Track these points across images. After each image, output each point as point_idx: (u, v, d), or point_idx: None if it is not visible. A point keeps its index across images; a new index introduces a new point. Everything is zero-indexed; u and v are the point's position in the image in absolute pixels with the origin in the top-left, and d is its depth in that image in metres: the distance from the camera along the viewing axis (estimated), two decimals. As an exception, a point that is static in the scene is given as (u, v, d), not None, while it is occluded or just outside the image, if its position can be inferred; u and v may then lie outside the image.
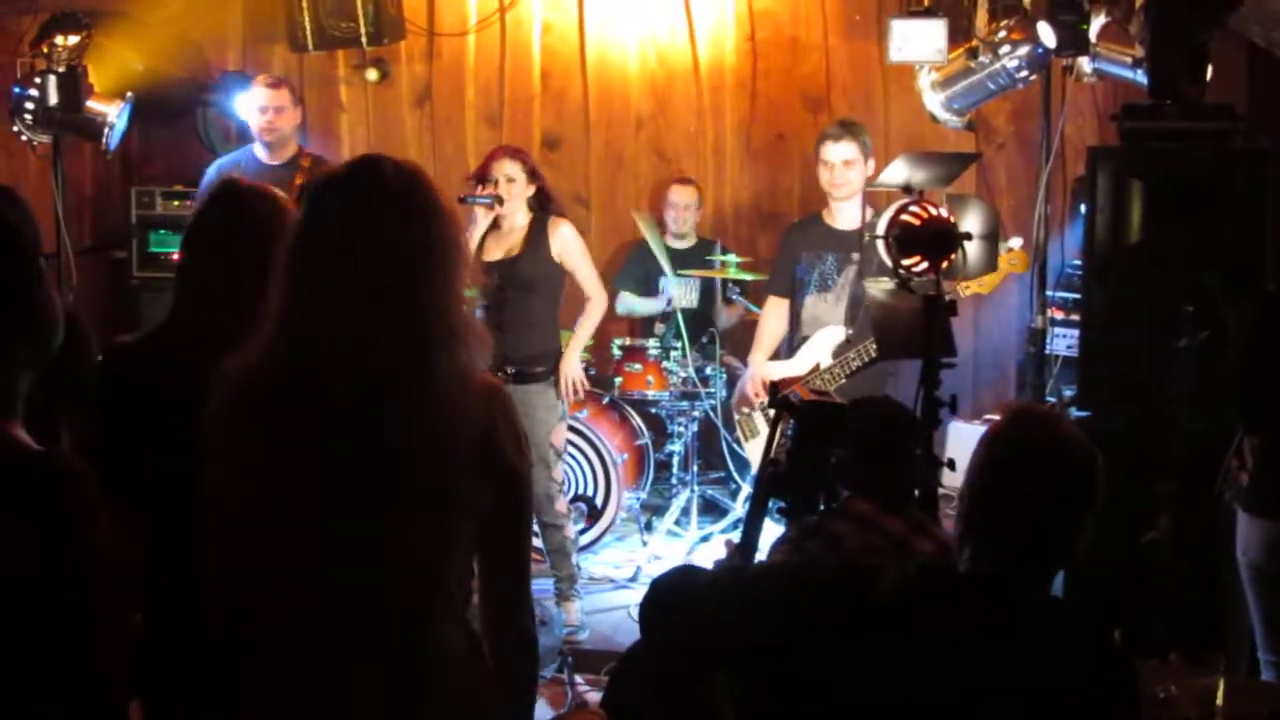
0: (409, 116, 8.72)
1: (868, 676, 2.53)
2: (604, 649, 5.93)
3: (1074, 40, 5.57)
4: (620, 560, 7.34)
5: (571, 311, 6.42)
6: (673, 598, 2.80)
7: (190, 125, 8.26)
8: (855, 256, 6.20)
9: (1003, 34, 6.01)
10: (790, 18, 8.36)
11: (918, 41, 6.27)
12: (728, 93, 8.50)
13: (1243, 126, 5.29)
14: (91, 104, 6.87)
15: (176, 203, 7.87)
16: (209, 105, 8.15)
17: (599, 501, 7.31)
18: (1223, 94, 5.73)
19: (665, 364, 7.46)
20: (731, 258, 7.37)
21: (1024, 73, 5.99)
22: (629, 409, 7.66)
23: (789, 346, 6.55)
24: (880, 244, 4.52)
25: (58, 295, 2.32)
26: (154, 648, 3.07)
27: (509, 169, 6.13)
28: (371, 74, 8.54)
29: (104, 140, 6.98)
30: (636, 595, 3.12)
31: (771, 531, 3.61)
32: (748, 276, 7.51)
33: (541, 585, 6.52)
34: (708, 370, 7.44)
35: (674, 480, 7.72)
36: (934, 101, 6.40)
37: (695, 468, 7.54)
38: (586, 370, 7.66)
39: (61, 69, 6.70)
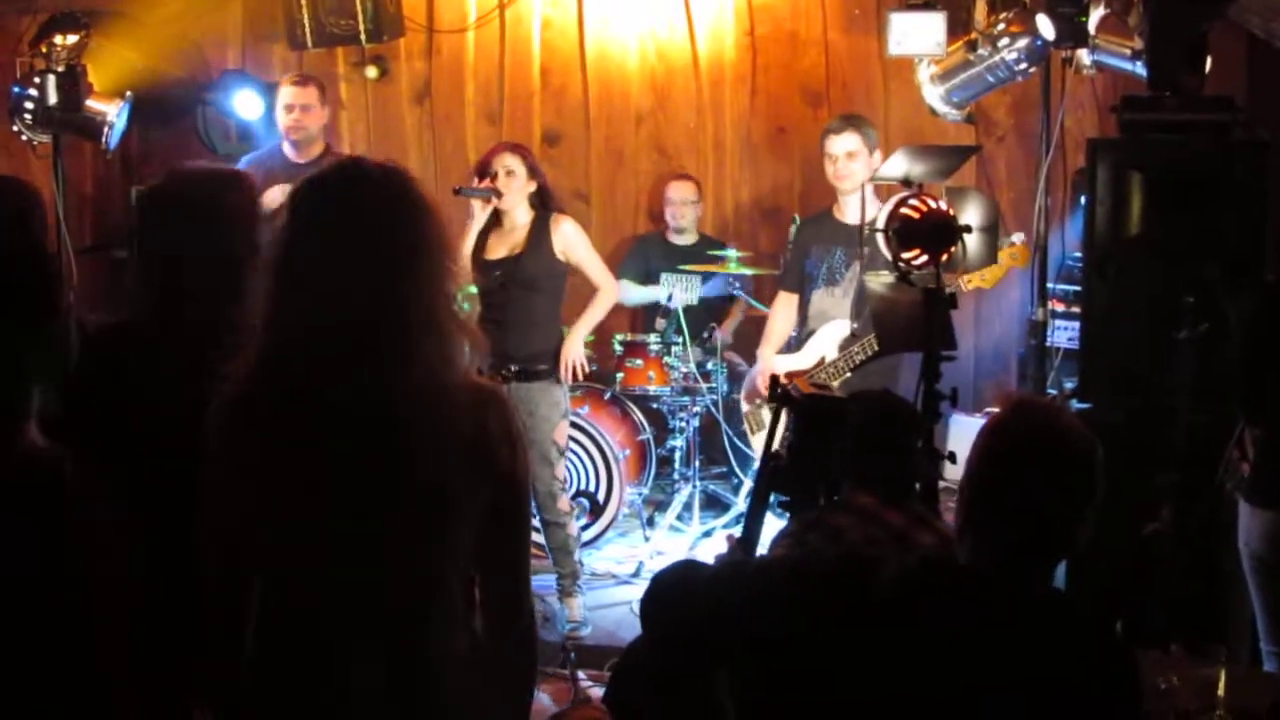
0: (409, 113, 8.72)
1: (869, 670, 2.53)
2: (607, 644, 5.93)
3: (1073, 33, 5.56)
4: (623, 556, 7.34)
5: (572, 310, 6.41)
6: (674, 593, 2.81)
7: (190, 124, 8.27)
8: (865, 251, 6.20)
9: (1002, 27, 6.01)
10: (789, 12, 8.35)
11: (917, 35, 6.27)
12: (727, 88, 8.50)
13: (1242, 118, 5.28)
14: (91, 103, 6.87)
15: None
16: (209, 104, 8.14)
17: (601, 497, 7.31)
18: (1222, 85, 5.72)
19: (666, 359, 7.46)
20: (732, 253, 7.38)
21: (1023, 65, 5.99)
22: (630, 404, 7.66)
23: (795, 341, 6.56)
24: (880, 237, 4.52)
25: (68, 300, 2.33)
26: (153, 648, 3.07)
27: (509, 162, 6.13)
28: (371, 71, 8.55)
29: (104, 140, 6.98)
30: (639, 591, 3.13)
31: (773, 525, 3.61)
32: (748, 271, 7.50)
33: (544, 581, 6.52)
34: (709, 365, 7.45)
35: (676, 475, 7.72)
36: (933, 95, 6.40)
37: (697, 463, 7.54)
38: (588, 365, 7.69)
39: (61, 68, 6.70)
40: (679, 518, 7.60)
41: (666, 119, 8.60)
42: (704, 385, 7.37)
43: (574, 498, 6.76)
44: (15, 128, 6.79)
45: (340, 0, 7.87)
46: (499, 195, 6.07)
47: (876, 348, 5.96)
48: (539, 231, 6.18)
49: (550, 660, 5.78)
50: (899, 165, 4.67)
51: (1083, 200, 5.64)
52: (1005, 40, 5.97)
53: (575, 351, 6.24)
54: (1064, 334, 6.69)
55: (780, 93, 8.41)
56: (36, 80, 6.69)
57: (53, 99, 6.64)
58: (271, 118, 8.01)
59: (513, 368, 6.06)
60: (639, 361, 7.50)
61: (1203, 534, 4.85)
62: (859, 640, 2.54)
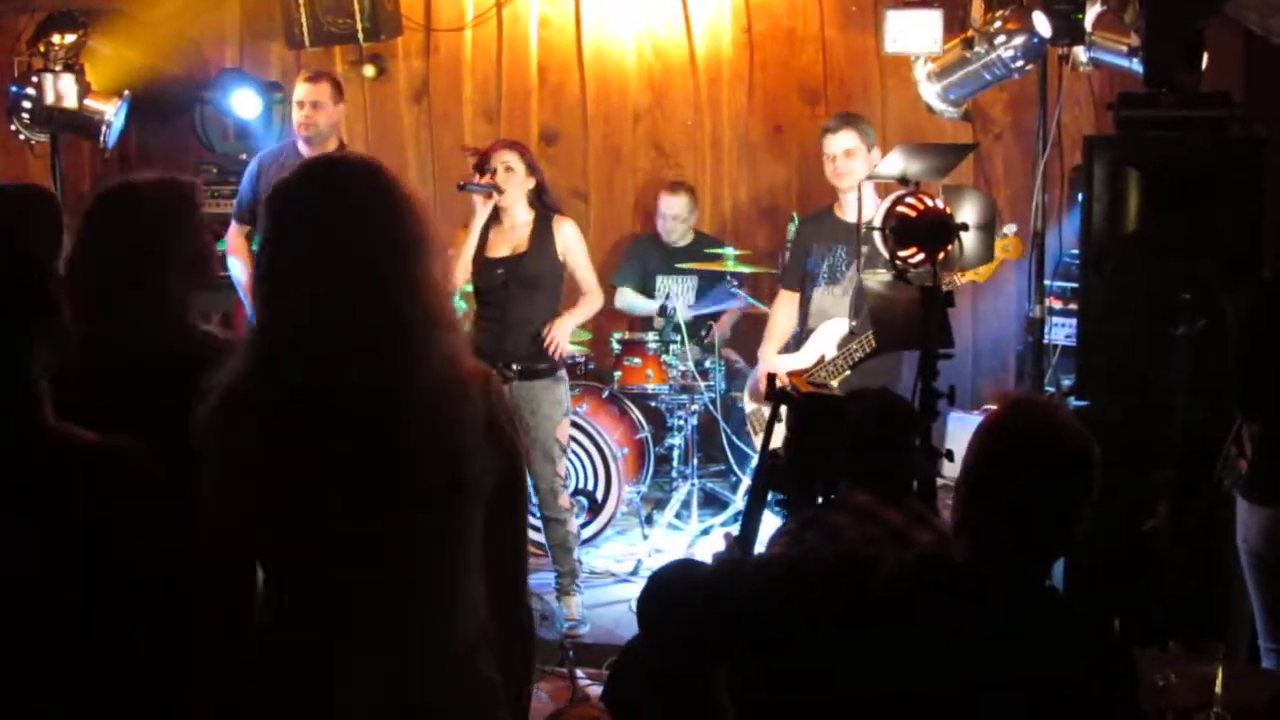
0: (406, 112, 8.73)
1: (867, 668, 2.53)
2: (605, 643, 5.93)
3: (1069, 30, 5.56)
4: (621, 554, 7.34)
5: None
6: (671, 592, 2.81)
7: (188, 123, 8.28)
8: (865, 249, 6.22)
9: (998, 24, 6.01)
10: (787, 9, 8.36)
11: (913, 32, 6.28)
12: (725, 86, 8.51)
13: (1239, 114, 5.28)
14: (89, 102, 6.87)
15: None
16: (206, 103, 8.15)
17: (599, 495, 7.32)
18: (1219, 81, 5.71)
19: (664, 358, 7.46)
20: (730, 250, 7.38)
21: (1020, 63, 5.99)
22: (629, 403, 7.67)
23: (795, 339, 6.57)
24: (877, 235, 4.52)
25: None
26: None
27: (507, 158, 6.14)
28: (369, 70, 8.55)
29: (102, 138, 6.98)
30: (637, 589, 3.12)
31: (771, 523, 3.61)
32: (745, 269, 7.51)
33: (543, 580, 6.53)
34: (707, 364, 7.45)
35: (674, 473, 7.72)
36: (930, 92, 6.40)
37: (695, 461, 7.55)
38: (586, 364, 7.70)
39: (59, 67, 6.71)
40: (677, 516, 7.60)
41: (664, 117, 8.61)
42: (702, 383, 7.37)
43: (572, 496, 6.77)
44: (13, 127, 6.80)
45: (338, -1, 7.88)
46: (499, 191, 6.07)
47: (874, 344, 5.97)
48: (542, 231, 6.19)
49: (548, 658, 5.79)
50: (896, 163, 4.68)
51: (1080, 197, 5.64)
52: (1002, 38, 5.97)
53: (563, 335, 6.22)
54: (1061, 331, 6.70)
55: (778, 90, 8.42)
56: (34, 79, 6.69)
57: (50, 98, 6.65)
58: (270, 116, 8.03)
59: (515, 366, 6.07)
60: (637, 360, 7.50)
61: (1200, 531, 4.85)
62: (857, 638, 2.54)
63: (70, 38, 6.81)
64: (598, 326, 7.39)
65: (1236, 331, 4.49)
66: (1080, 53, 5.84)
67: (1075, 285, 6.25)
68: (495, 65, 8.64)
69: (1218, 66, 5.72)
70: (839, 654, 2.55)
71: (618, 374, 7.55)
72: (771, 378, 3.51)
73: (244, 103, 7.91)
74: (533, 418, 6.12)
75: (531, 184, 6.19)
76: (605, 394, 7.57)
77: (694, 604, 2.75)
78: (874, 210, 5.83)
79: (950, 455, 4.17)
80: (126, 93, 7.04)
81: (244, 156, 7.53)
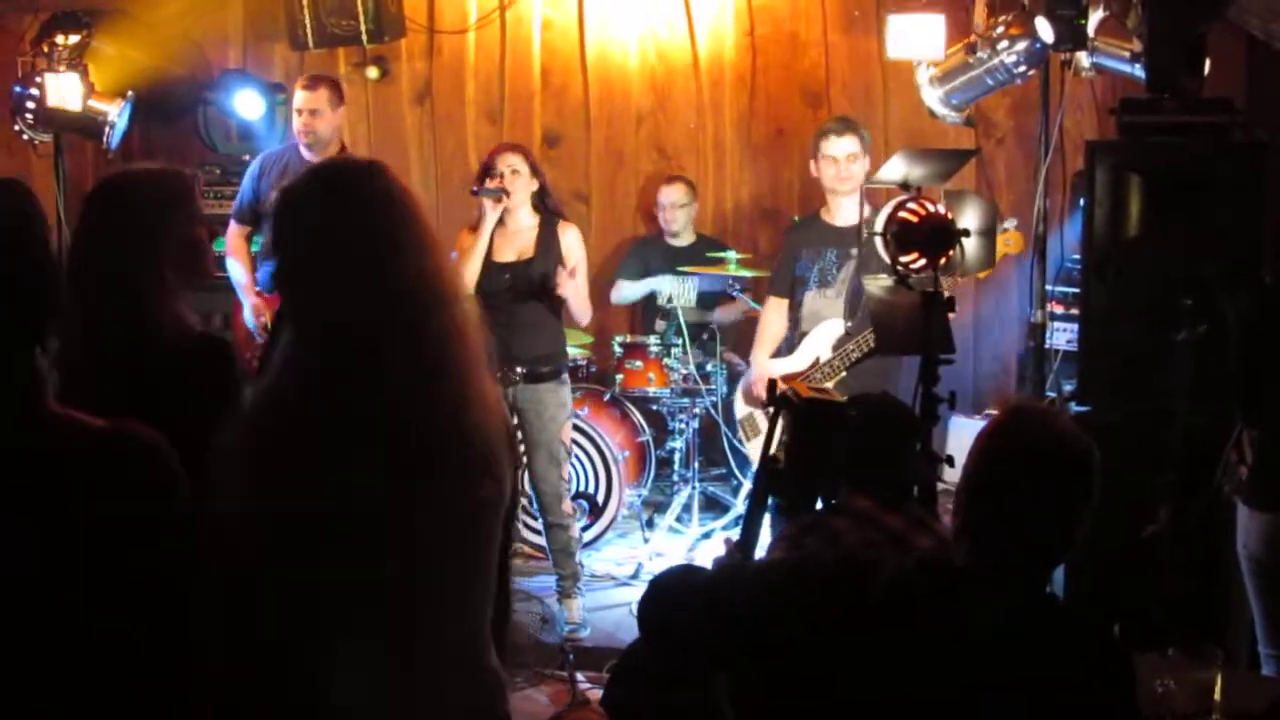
0: (409, 114, 8.73)
1: (867, 673, 2.53)
2: (606, 646, 5.93)
3: (1072, 35, 5.57)
4: (622, 557, 7.34)
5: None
6: (672, 596, 2.81)
7: (191, 123, 8.28)
8: (854, 252, 6.27)
9: (1001, 29, 6.02)
10: (789, 13, 8.36)
11: (916, 37, 6.29)
12: (727, 88, 8.51)
13: (1241, 119, 5.29)
14: (92, 103, 6.88)
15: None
16: (210, 104, 8.16)
17: (600, 499, 7.32)
18: (1221, 87, 5.72)
19: (666, 361, 7.47)
20: (731, 254, 7.38)
21: (1022, 68, 6.00)
22: (630, 406, 7.67)
23: (789, 343, 6.58)
24: (879, 241, 4.53)
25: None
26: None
27: (512, 160, 6.15)
28: (372, 71, 8.56)
29: (105, 139, 6.99)
30: (638, 592, 3.12)
31: (771, 528, 3.62)
32: (747, 273, 7.51)
33: (543, 583, 6.54)
34: (708, 367, 7.46)
35: (675, 477, 7.73)
36: (933, 97, 6.41)
37: (696, 464, 7.55)
38: (587, 367, 7.70)
39: (63, 68, 6.72)
40: (678, 519, 7.60)
41: (667, 120, 8.61)
42: (704, 387, 7.38)
43: (573, 499, 6.78)
44: (17, 127, 6.81)
45: (341, 1, 7.87)
46: (507, 195, 6.07)
47: (872, 344, 6.00)
48: (547, 236, 6.20)
49: (549, 662, 5.80)
50: (897, 168, 4.68)
51: (1081, 202, 5.65)
52: (1004, 43, 5.98)
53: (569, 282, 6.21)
54: (1063, 336, 6.70)
55: (780, 94, 8.41)
56: (38, 80, 6.70)
57: (54, 98, 6.65)
58: (273, 117, 8.03)
59: (520, 370, 6.08)
60: (639, 363, 7.51)
61: (1201, 536, 4.86)
62: (857, 643, 2.54)
63: (74, 38, 6.82)
64: (600, 329, 7.39)
65: (1237, 337, 4.49)
66: (1082, 58, 5.85)
67: (1077, 290, 6.25)
68: (498, 67, 8.64)
69: (1220, 72, 5.73)
70: (839, 659, 2.55)
71: (619, 377, 7.55)
72: (772, 383, 3.52)
73: (247, 104, 7.91)
74: (538, 420, 6.14)
75: (535, 186, 6.20)
76: (607, 397, 7.57)
77: (694, 608, 2.75)
78: (867, 214, 5.94)
79: (951, 461, 4.17)
80: (130, 93, 7.05)
81: (246, 157, 7.53)
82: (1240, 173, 5.08)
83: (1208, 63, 5.34)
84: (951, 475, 3.53)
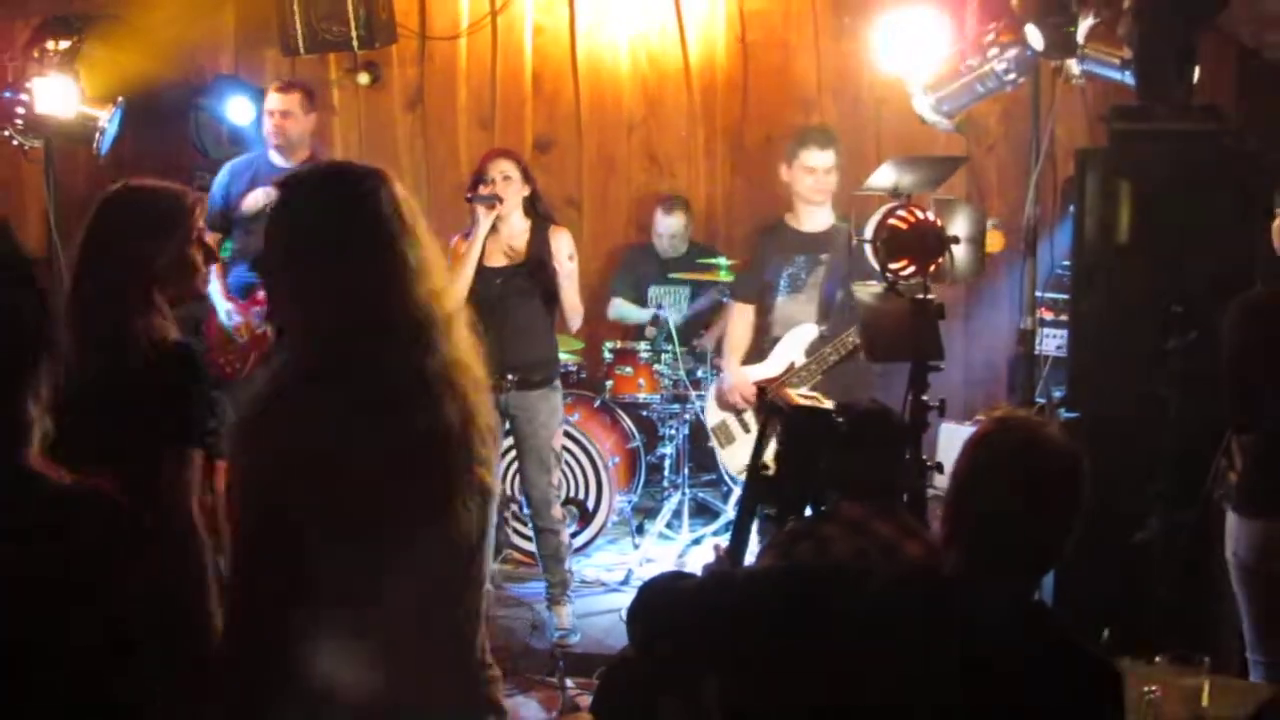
0: (401, 120, 8.73)
1: (855, 681, 2.53)
2: (596, 652, 5.93)
3: (1062, 43, 5.56)
4: (612, 563, 7.35)
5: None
6: (661, 602, 2.81)
7: (182, 129, 8.26)
8: (824, 257, 6.41)
9: (991, 37, 6.01)
10: (781, 20, 8.37)
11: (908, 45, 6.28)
12: (719, 95, 8.51)
13: (1231, 127, 5.30)
14: (83, 108, 6.87)
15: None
16: (201, 109, 8.14)
17: (591, 504, 7.32)
18: (1212, 95, 5.74)
19: (656, 367, 7.47)
20: (723, 260, 7.39)
21: (1012, 75, 5.98)
22: (620, 412, 7.67)
23: (759, 349, 6.60)
24: (868, 248, 4.53)
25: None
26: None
27: (504, 166, 6.15)
28: (363, 77, 8.54)
29: (96, 144, 6.97)
30: (628, 598, 3.12)
31: (760, 536, 3.62)
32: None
33: (534, 589, 6.54)
34: (699, 373, 7.46)
35: (665, 483, 7.73)
36: (923, 104, 6.40)
37: (687, 470, 7.55)
38: (578, 373, 7.70)
39: (53, 73, 6.70)
40: (668, 525, 7.61)
41: (658, 126, 8.61)
42: (694, 393, 7.38)
43: (564, 505, 6.78)
44: (7, 132, 6.78)
45: (333, 6, 7.86)
46: (500, 201, 6.07)
47: (849, 347, 6.07)
48: (539, 241, 6.19)
49: (539, 668, 5.80)
50: (888, 175, 4.68)
51: (1072, 209, 5.66)
52: (994, 50, 5.97)
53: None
54: (1053, 342, 6.70)
55: (772, 100, 8.41)
56: (29, 85, 6.69)
57: (45, 103, 6.64)
58: (262, 122, 8.01)
59: (511, 376, 6.07)
60: (629, 369, 7.51)
61: (1191, 542, 4.86)
62: (845, 651, 2.55)
63: (65, 43, 6.80)
64: (590, 335, 7.39)
65: (1226, 344, 4.50)
66: (1073, 65, 5.84)
67: (1067, 296, 6.26)
68: (490, 73, 8.64)
69: (1210, 80, 5.74)
70: (827, 667, 2.55)
71: (609, 383, 7.56)
72: (762, 390, 3.52)
73: (238, 109, 7.90)
74: (529, 427, 6.14)
75: (527, 191, 6.20)
76: (597, 403, 7.57)
77: (683, 615, 2.75)
78: (830, 221, 6.30)
79: (940, 467, 4.18)
80: (121, 99, 7.03)
81: (238, 162, 7.54)
82: (1231, 180, 5.09)
83: (1197, 70, 5.35)
84: (942, 482, 3.53)
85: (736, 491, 7.31)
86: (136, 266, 3.47)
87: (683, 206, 8.19)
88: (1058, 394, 6.06)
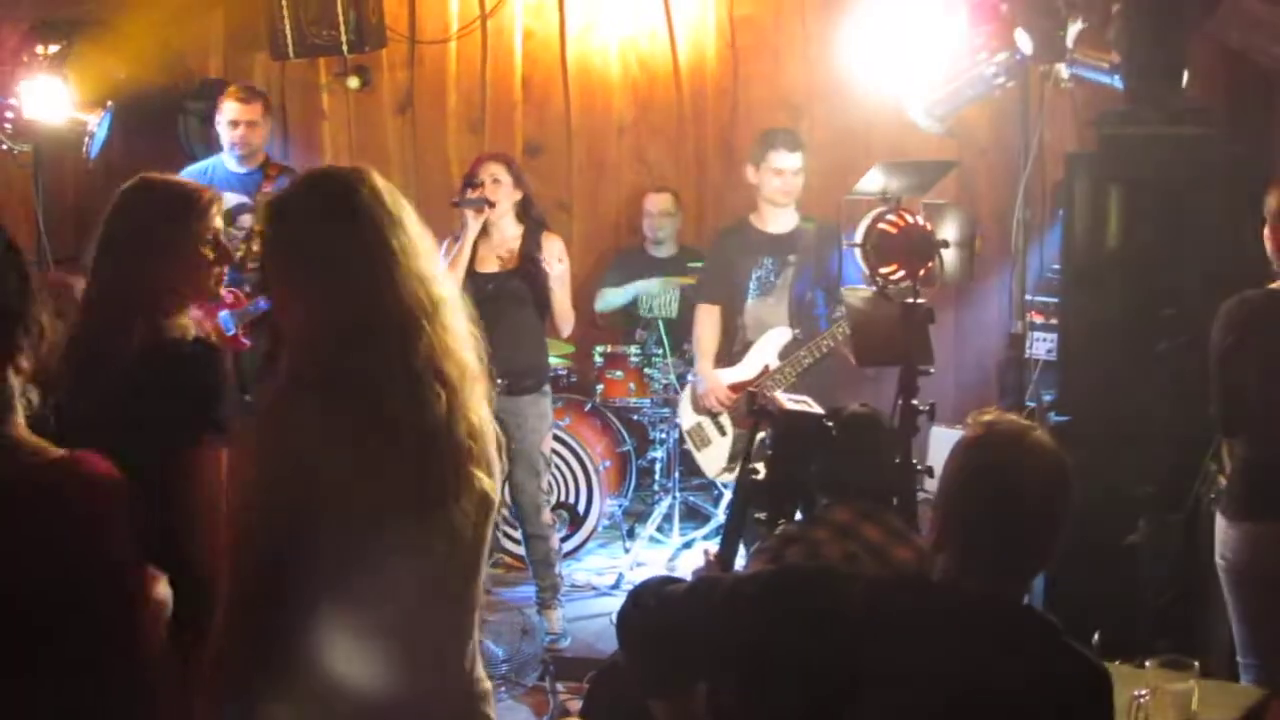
0: (391, 124, 8.72)
1: (844, 686, 2.53)
2: (586, 656, 5.94)
3: (1051, 47, 5.57)
4: (603, 567, 7.35)
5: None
6: (651, 607, 2.81)
7: (172, 133, 8.25)
8: (792, 258, 6.44)
9: (981, 40, 6.01)
10: (771, 25, 8.37)
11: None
12: (709, 99, 8.51)
13: (1220, 131, 5.30)
14: (72, 112, 6.85)
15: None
16: (190, 113, 8.13)
17: (581, 509, 7.32)
18: (1201, 99, 5.73)
19: (647, 371, 7.48)
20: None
21: (1001, 79, 5.99)
22: (611, 416, 7.67)
23: (729, 352, 6.60)
24: (858, 252, 4.53)
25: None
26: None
27: (494, 170, 6.15)
28: (353, 81, 8.52)
29: (85, 149, 6.96)
30: (619, 602, 3.12)
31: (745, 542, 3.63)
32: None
33: (524, 593, 6.53)
34: (689, 377, 7.46)
35: (656, 487, 7.74)
36: (915, 108, 6.41)
37: (677, 474, 7.55)
38: (568, 376, 7.70)
39: (42, 77, 6.68)
40: (659, 529, 7.61)
41: (649, 130, 8.61)
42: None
43: (554, 509, 6.78)
44: (-5, 136, 6.77)
45: (322, 10, 7.84)
46: (490, 205, 6.06)
47: (824, 350, 6.11)
48: (531, 247, 6.19)
49: (529, 672, 5.79)
50: (877, 180, 4.69)
51: (1061, 213, 5.67)
52: (984, 54, 5.98)
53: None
54: (1043, 346, 6.70)
55: (762, 105, 8.40)
56: (17, 89, 6.67)
57: (33, 108, 6.62)
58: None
59: (501, 381, 6.06)
60: (619, 373, 7.52)
61: (1180, 546, 4.87)
62: (835, 656, 2.55)
63: (54, 48, 6.79)
64: (581, 339, 7.38)
65: (1215, 347, 4.50)
66: (1062, 69, 5.85)
67: (1057, 300, 6.27)
68: (479, 77, 8.63)
69: (1200, 83, 5.74)
70: (816, 672, 2.56)
71: (600, 387, 7.56)
72: (752, 395, 3.52)
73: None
74: (518, 432, 6.12)
75: (518, 196, 6.19)
76: (587, 407, 7.58)
77: (673, 620, 2.75)
78: (794, 223, 6.39)
79: (931, 471, 4.18)
80: (110, 103, 7.02)
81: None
82: (1220, 184, 5.10)
83: (1186, 75, 5.36)
84: (932, 485, 3.54)
85: (727, 495, 7.32)
86: (150, 255, 3.44)
87: (672, 191, 8.21)
88: (1048, 398, 6.06)
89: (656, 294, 7.88)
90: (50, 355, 2.28)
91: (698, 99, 8.52)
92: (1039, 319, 6.68)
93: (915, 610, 2.55)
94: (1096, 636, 4.40)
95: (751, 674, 2.67)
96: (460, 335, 2.62)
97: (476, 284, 6.09)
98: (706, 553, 3.50)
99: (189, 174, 6.98)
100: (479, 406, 2.62)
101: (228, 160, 7.00)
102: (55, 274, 5.00)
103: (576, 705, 5.44)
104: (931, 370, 4.43)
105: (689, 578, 3.07)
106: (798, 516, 3.55)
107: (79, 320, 3.40)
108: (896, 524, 3.53)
